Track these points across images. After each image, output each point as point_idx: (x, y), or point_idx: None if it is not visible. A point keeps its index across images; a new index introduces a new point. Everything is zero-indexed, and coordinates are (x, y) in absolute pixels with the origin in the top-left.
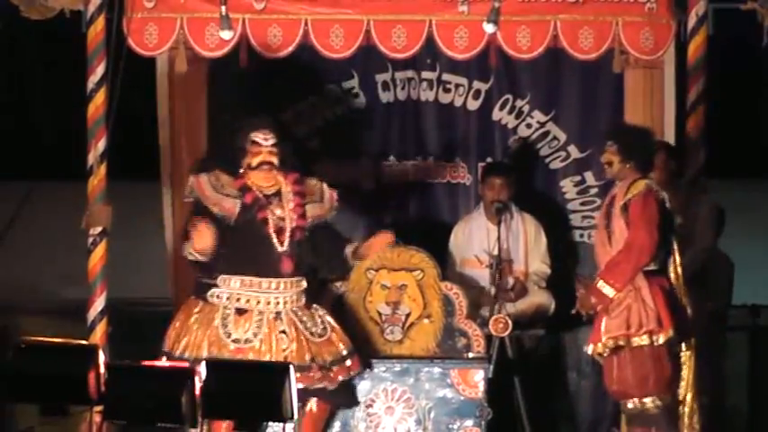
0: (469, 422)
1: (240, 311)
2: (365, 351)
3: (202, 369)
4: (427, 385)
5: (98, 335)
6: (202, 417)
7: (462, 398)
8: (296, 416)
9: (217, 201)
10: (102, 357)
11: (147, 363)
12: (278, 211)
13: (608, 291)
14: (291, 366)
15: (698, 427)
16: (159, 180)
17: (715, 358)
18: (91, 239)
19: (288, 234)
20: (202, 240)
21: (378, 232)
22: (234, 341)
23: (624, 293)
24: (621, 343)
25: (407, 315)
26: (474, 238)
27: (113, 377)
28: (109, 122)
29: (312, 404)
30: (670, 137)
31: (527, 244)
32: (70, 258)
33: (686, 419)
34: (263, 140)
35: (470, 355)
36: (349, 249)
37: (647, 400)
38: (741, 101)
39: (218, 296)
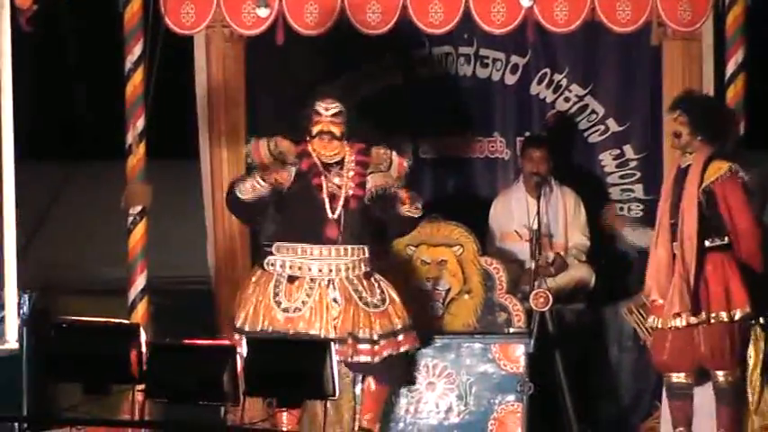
0: (511, 397)
1: (292, 279)
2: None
3: (243, 347)
4: (468, 360)
5: (139, 314)
6: (244, 395)
7: (503, 373)
8: (338, 393)
9: (272, 168)
10: (143, 336)
11: (188, 341)
12: (336, 179)
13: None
14: (332, 343)
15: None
16: (198, 158)
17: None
18: (131, 219)
19: (341, 202)
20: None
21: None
22: (284, 310)
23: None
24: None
25: (447, 290)
26: (513, 213)
27: (155, 356)
28: (147, 101)
29: (370, 381)
30: None
31: (566, 217)
32: (111, 238)
33: (753, 398)
34: (324, 110)
35: (511, 329)
36: (404, 209)
37: (720, 375)
38: None
39: (272, 264)
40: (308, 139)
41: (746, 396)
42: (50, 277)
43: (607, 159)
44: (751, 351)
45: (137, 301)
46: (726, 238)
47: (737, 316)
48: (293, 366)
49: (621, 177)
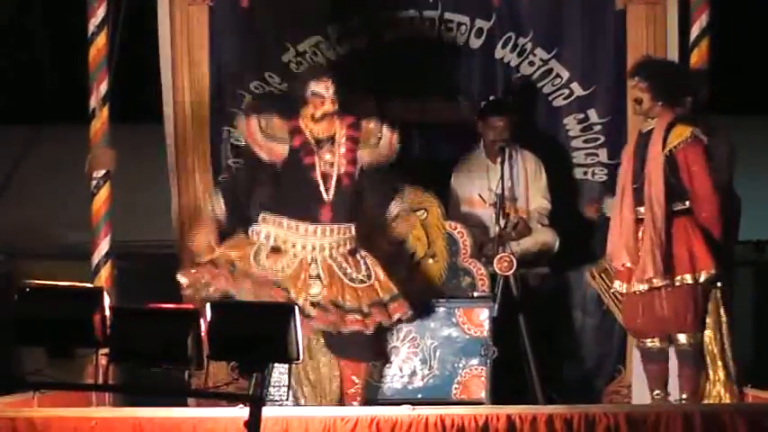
0: (474, 361)
1: (275, 249)
2: None
3: (207, 310)
4: (432, 324)
5: (103, 278)
6: (208, 358)
7: (467, 337)
8: (302, 357)
9: (264, 144)
10: (107, 300)
11: (152, 305)
12: (327, 156)
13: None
14: (296, 307)
15: (730, 365)
16: (162, 122)
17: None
18: (94, 183)
19: (334, 182)
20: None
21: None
22: (260, 267)
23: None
24: (666, 282)
25: (412, 255)
26: (475, 178)
27: (118, 320)
28: (111, 65)
29: (344, 364)
30: None
31: (527, 181)
32: (75, 202)
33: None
34: (326, 90)
35: (475, 294)
36: (394, 210)
37: (682, 337)
38: (747, 34)
39: (257, 233)
40: (300, 116)
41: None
42: (14, 241)
43: (571, 123)
44: (709, 312)
45: (100, 265)
46: (687, 203)
47: (702, 278)
48: (257, 330)
49: (585, 142)
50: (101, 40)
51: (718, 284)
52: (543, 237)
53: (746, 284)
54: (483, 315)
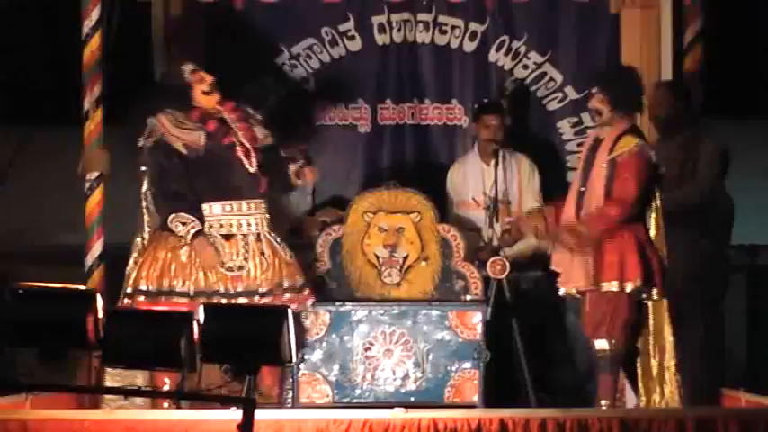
0: (467, 364)
1: (226, 237)
2: (363, 294)
3: (200, 313)
4: (425, 328)
5: (96, 280)
6: (201, 361)
7: (460, 340)
8: (294, 359)
9: (182, 135)
10: (100, 302)
11: (144, 308)
12: (236, 136)
13: (584, 230)
14: (290, 310)
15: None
16: None
17: (714, 297)
18: (87, 184)
19: (252, 155)
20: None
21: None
22: (227, 269)
23: (609, 240)
24: (591, 287)
25: (405, 258)
26: (469, 180)
27: (111, 322)
28: (104, 67)
29: None
30: (667, 77)
31: (521, 184)
32: (68, 204)
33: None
34: (198, 68)
35: (468, 297)
36: (293, 168)
37: (599, 343)
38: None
39: (209, 225)
40: (194, 102)
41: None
42: (7, 243)
43: (565, 127)
44: (651, 325)
45: (93, 266)
46: None
47: (629, 288)
48: (250, 333)
49: (579, 145)
50: (94, 41)
51: (662, 300)
52: (537, 240)
53: (740, 289)
54: (476, 318)
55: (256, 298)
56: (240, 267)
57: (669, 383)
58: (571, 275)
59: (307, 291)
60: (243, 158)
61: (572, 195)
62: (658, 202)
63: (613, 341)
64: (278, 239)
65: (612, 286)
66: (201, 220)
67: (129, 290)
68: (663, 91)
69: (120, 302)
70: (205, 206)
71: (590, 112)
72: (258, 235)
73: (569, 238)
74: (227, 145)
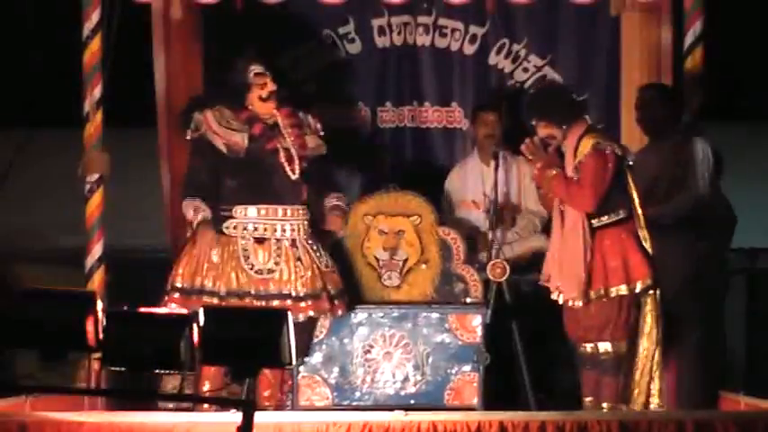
0: (467, 367)
1: (259, 241)
2: (363, 297)
3: (200, 315)
4: (425, 330)
5: (96, 282)
6: (200, 363)
7: (460, 343)
8: (294, 362)
9: (225, 135)
10: (99, 304)
11: (144, 310)
12: (282, 142)
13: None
14: (289, 312)
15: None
16: (155, 126)
17: (713, 300)
18: (88, 186)
19: (296, 162)
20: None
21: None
22: (257, 272)
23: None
24: (601, 293)
25: (405, 260)
26: (469, 182)
27: (111, 324)
28: (105, 69)
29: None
30: (667, 81)
31: (521, 186)
32: (68, 206)
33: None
34: (261, 71)
35: (468, 300)
36: (329, 203)
37: (603, 346)
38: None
39: (234, 227)
40: (248, 104)
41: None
42: (7, 245)
43: None
44: (646, 322)
45: (94, 269)
46: (621, 212)
47: (638, 288)
48: (249, 335)
49: None
50: (95, 44)
51: (655, 294)
52: (536, 243)
53: (740, 292)
54: (476, 321)
55: (288, 302)
56: (270, 271)
57: (656, 382)
58: (561, 288)
59: (338, 301)
60: (285, 164)
61: (556, 215)
62: (639, 209)
63: (617, 342)
64: (315, 247)
65: (621, 290)
66: (222, 217)
67: (168, 287)
68: (649, 93)
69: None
70: (239, 208)
71: (543, 143)
72: (294, 241)
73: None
74: (271, 150)
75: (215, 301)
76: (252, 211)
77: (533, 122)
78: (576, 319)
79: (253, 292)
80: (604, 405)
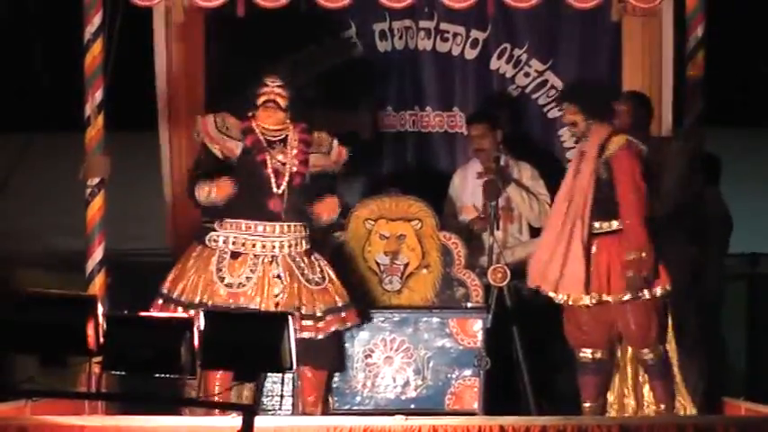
0: (468, 371)
1: (235, 255)
2: (364, 301)
3: (201, 319)
4: (426, 335)
5: (97, 286)
6: (201, 367)
7: (461, 347)
8: (295, 366)
9: (219, 141)
10: (100, 308)
11: (145, 313)
12: (280, 156)
13: (634, 255)
14: (290, 317)
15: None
16: (157, 130)
17: (711, 305)
18: (89, 190)
19: (286, 178)
20: (223, 192)
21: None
22: (227, 285)
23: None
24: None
25: (406, 265)
26: (469, 186)
27: (112, 328)
28: (106, 73)
29: (306, 370)
30: (668, 86)
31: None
32: (69, 209)
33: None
34: (271, 82)
35: (469, 304)
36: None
37: (646, 352)
38: (741, 48)
39: (215, 239)
40: (251, 115)
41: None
42: (8, 248)
43: (566, 135)
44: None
45: (94, 272)
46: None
47: (659, 293)
48: (250, 339)
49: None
50: (96, 47)
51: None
52: (537, 247)
53: (740, 297)
54: (476, 326)
55: None
56: (240, 285)
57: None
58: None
59: (343, 313)
60: (272, 178)
61: (559, 210)
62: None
63: (655, 347)
64: (305, 262)
65: (644, 295)
66: (205, 228)
67: (160, 290)
68: (625, 101)
69: None
70: (221, 220)
71: (567, 128)
72: (274, 257)
73: (635, 275)
74: (260, 161)
75: (191, 312)
76: (233, 225)
77: (564, 105)
78: (582, 322)
79: (223, 305)
80: (661, 408)
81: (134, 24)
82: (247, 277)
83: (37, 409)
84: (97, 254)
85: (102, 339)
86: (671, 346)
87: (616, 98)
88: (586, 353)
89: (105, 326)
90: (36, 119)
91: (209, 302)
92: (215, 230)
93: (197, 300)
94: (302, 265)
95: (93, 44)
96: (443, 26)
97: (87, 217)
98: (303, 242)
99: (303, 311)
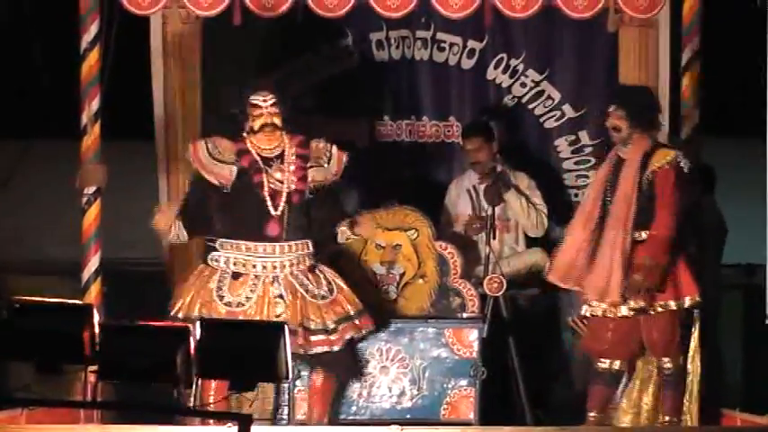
0: (464, 381)
1: (236, 275)
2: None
3: (197, 328)
4: (422, 345)
5: (92, 294)
6: (197, 376)
7: (456, 357)
8: (291, 376)
9: (211, 168)
10: (96, 317)
11: (141, 322)
12: (277, 174)
13: (649, 263)
14: (286, 326)
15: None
16: (153, 139)
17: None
18: (85, 199)
19: (283, 198)
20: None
21: (361, 215)
22: (226, 304)
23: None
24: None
25: (402, 274)
26: (466, 196)
27: (107, 337)
28: (102, 82)
29: (316, 377)
30: (664, 96)
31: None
32: (65, 218)
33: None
34: (263, 102)
35: (465, 314)
36: (341, 229)
37: (666, 361)
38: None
39: (216, 260)
40: (245, 135)
41: (686, 381)
42: (3, 256)
43: (563, 145)
44: (693, 337)
45: (90, 281)
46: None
47: (687, 304)
48: (246, 349)
49: (577, 164)
50: (93, 56)
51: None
52: (534, 258)
53: (737, 307)
54: (472, 336)
55: None
56: (239, 304)
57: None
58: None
59: (357, 321)
60: (268, 199)
61: (590, 216)
62: None
63: (675, 357)
64: (308, 278)
65: (670, 305)
66: (209, 248)
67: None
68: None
69: None
70: (223, 241)
71: (608, 131)
72: (276, 278)
73: (642, 279)
74: (256, 183)
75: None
76: (233, 246)
77: (612, 108)
78: (606, 333)
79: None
80: (667, 419)
81: (131, 33)
82: (247, 297)
83: (32, 418)
84: (93, 262)
85: (97, 348)
86: (696, 360)
87: (660, 110)
88: (605, 363)
89: (101, 334)
90: (32, 127)
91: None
92: (216, 251)
93: (194, 315)
94: (305, 281)
95: (90, 53)
96: (440, 36)
97: (83, 225)
98: (306, 259)
99: (312, 327)
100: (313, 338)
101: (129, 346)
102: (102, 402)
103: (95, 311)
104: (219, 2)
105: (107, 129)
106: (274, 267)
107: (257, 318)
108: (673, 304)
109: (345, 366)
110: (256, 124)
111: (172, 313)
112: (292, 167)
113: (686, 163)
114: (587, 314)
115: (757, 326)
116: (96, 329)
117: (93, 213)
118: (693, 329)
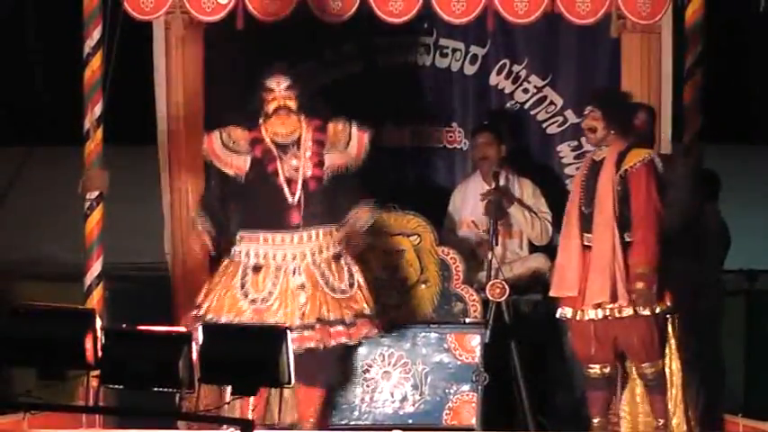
0: (466, 387)
1: (257, 268)
2: None
3: (199, 334)
4: (424, 350)
5: (95, 299)
6: (199, 381)
7: (459, 362)
8: (293, 381)
9: (226, 159)
10: (98, 322)
11: (143, 327)
12: (293, 161)
13: (645, 269)
14: (288, 331)
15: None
16: (156, 144)
17: (709, 321)
18: (88, 204)
19: (300, 185)
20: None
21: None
22: (251, 302)
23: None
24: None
25: (404, 280)
26: (469, 202)
27: (110, 342)
28: (105, 87)
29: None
30: (667, 103)
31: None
32: (67, 223)
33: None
34: (277, 85)
35: (467, 320)
36: (358, 223)
37: (646, 366)
38: (740, 65)
39: (238, 253)
40: (260, 122)
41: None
42: (6, 262)
43: (565, 151)
44: (669, 343)
45: (93, 286)
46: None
47: (658, 310)
48: (249, 354)
49: (579, 170)
50: (96, 61)
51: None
52: (536, 263)
53: (739, 313)
54: (475, 341)
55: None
56: (264, 300)
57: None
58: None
59: (360, 323)
60: (285, 186)
61: (573, 222)
62: None
63: (656, 363)
64: (329, 269)
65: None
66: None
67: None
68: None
69: None
70: (241, 233)
71: (584, 133)
72: (296, 267)
73: (643, 287)
74: (271, 171)
75: None
76: (253, 237)
77: (588, 109)
78: (590, 338)
79: (248, 322)
80: (660, 423)
81: (133, 38)
82: (270, 291)
83: (34, 423)
84: (95, 267)
85: (100, 353)
86: (676, 364)
87: (636, 112)
88: (595, 368)
89: (103, 339)
90: (35, 132)
91: (236, 320)
92: (236, 244)
93: (223, 318)
94: (327, 272)
95: (93, 58)
96: (443, 42)
97: (86, 230)
98: (330, 246)
99: (332, 318)
100: (332, 330)
101: (132, 352)
102: (104, 407)
103: (98, 317)
104: (222, 7)
105: (110, 134)
106: (294, 257)
107: (280, 312)
108: (645, 310)
109: (327, 376)
110: (270, 108)
111: (199, 314)
112: (308, 153)
113: (660, 163)
114: (562, 318)
115: (760, 331)
116: (99, 335)
117: (95, 218)
118: (670, 335)
